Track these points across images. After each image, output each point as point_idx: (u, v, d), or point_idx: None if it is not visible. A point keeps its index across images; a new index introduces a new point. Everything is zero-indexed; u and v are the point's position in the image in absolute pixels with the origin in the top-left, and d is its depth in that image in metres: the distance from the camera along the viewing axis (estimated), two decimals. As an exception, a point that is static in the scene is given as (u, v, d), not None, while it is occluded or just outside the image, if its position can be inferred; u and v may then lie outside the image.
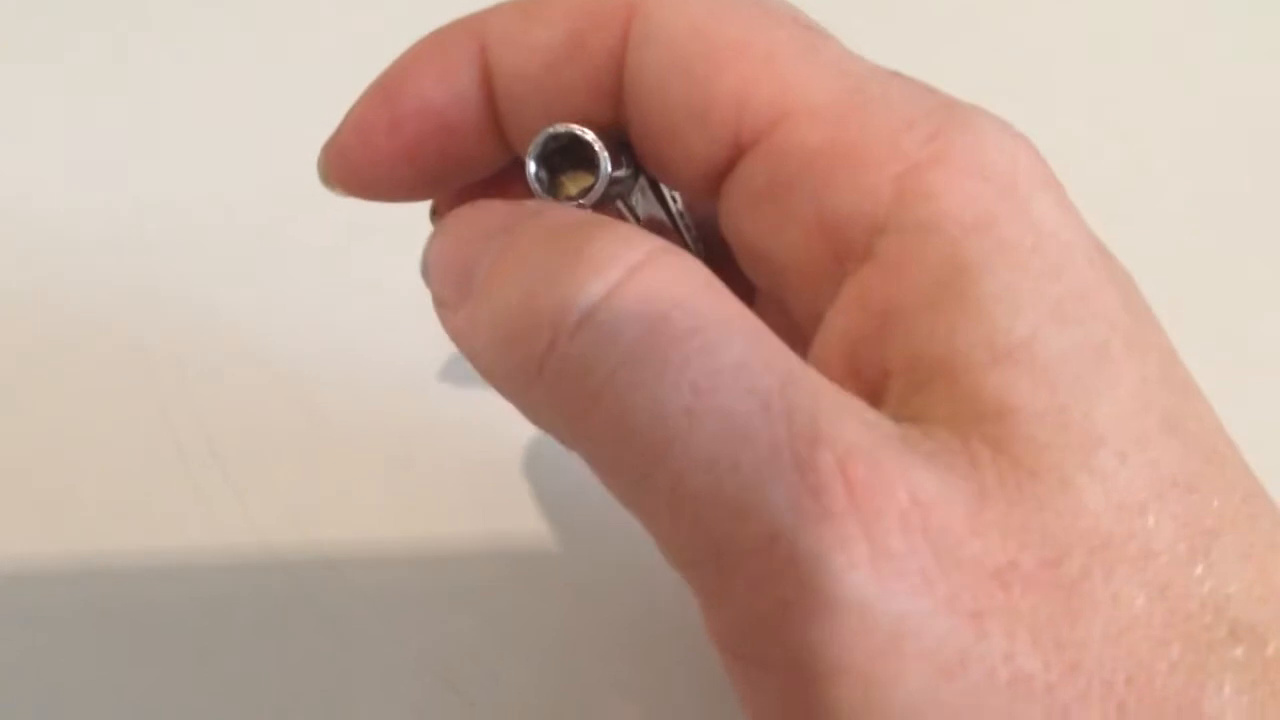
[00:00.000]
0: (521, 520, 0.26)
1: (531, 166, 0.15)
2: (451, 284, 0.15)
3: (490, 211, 0.15)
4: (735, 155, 0.16)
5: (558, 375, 0.13)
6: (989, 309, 0.13)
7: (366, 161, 0.17)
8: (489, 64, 0.16)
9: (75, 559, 0.25)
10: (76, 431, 0.27)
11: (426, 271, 0.16)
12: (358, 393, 0.27)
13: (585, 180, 0.16)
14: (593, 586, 0.25)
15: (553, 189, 0.16)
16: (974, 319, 0.13)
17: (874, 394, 0.14)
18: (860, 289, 0.14)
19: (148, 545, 0.25)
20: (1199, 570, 0.13)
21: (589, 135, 0.15)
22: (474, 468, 0.26)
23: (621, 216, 0.17)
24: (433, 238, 0.16)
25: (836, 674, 0.12)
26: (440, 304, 0.16)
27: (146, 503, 0.26)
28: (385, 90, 0.16)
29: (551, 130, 0.15)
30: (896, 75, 0.15)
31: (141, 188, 0.31)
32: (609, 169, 0.15)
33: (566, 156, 0.16)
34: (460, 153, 0.17)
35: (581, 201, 0.15)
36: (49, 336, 0.28)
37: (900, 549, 0.12)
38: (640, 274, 0.13)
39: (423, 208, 0.19)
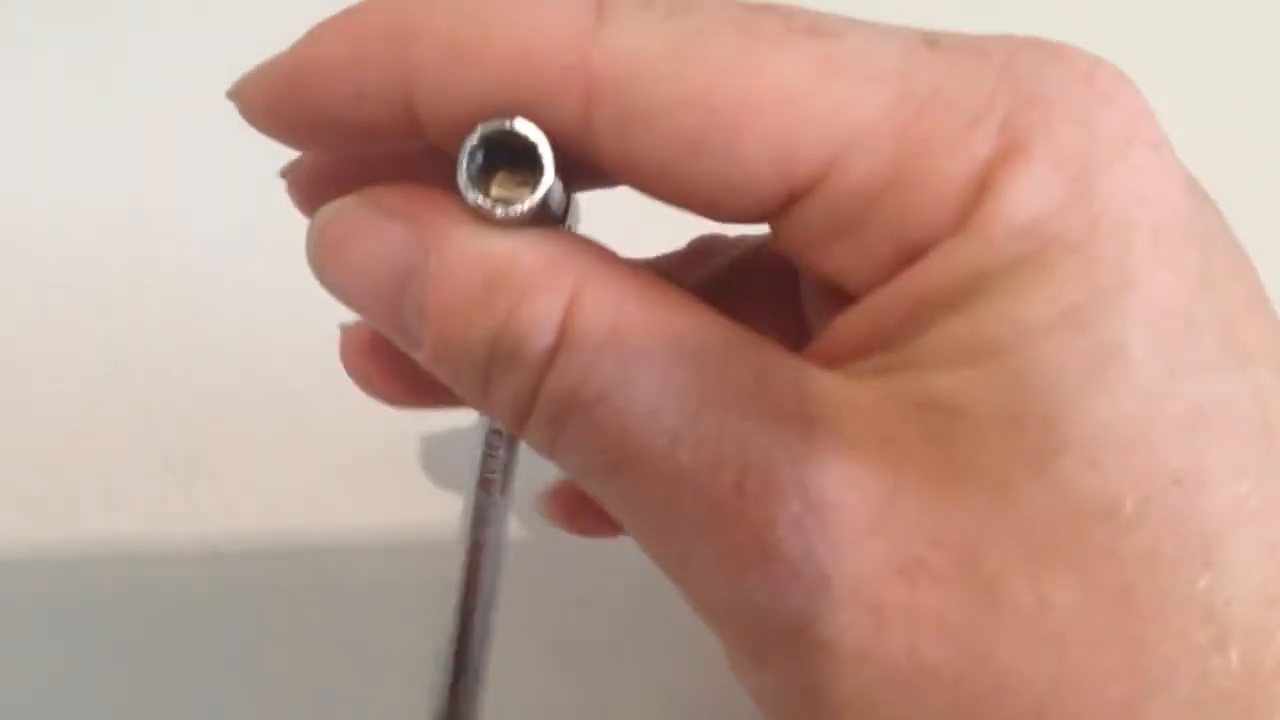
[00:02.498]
0: (515, 511, 0.26)
1: (463, 176, 0.13)
2: (389, 328, 0.14)
3: (381, 238, 0.14)
4: (787, 204, 0.14)
5: (533, 442, 0.14)
6: (990, 313, 0.13)
7: (285, 118, 0.15)
8: (412, 87, 0.14)
9: (52, 556, 0.25)
10: (58, 430, 0.27)
11: (329, 288, 0.15)
12: (340, 391, 0.27)
13: (512, 183, 0.14)
14: (579, 582, 0.25)
15: (481, 187, 0.14)
16: (971, 322, 0.13)
17: (868, 353, 0.14)
18: (900, 283, 0.14)
19: (126, 544, 0.25)
20: (1189, 570, 0.12)
21: (535, 137, 0.13)
22: (456, 465, 0.26)
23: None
24: (322, 250, 0.15)
25: (746, 671, 0.14)
26: (379, 325, 0.15)
27: (127, 502, 0.26)
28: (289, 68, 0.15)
29: (487, 128, 0.13)
30: (938, 49, 0.13)
31: (122, 190, 0.31)
32: (552, 179, 0.13)
33: (495, 150, 0.13)
34: (369, 129, 0.15)
35: (516, 211, 0.13)
36: (27, 337, 0.28)
37: (794, 553, 0.13)
38: (563, 359, 0.13)
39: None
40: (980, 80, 0.13)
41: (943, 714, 0.13)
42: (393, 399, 0.18)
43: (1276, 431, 0.13)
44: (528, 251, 0.14)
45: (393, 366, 0.17)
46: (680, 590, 0.14)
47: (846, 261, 0.14)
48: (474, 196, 0.13)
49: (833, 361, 0.14)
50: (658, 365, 0.13)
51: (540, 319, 0.13)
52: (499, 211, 0.13)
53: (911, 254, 0.14)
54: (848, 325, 0.14)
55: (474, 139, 0.13)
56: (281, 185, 0.17)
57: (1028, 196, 0.13)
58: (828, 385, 0.14)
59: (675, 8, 0.13)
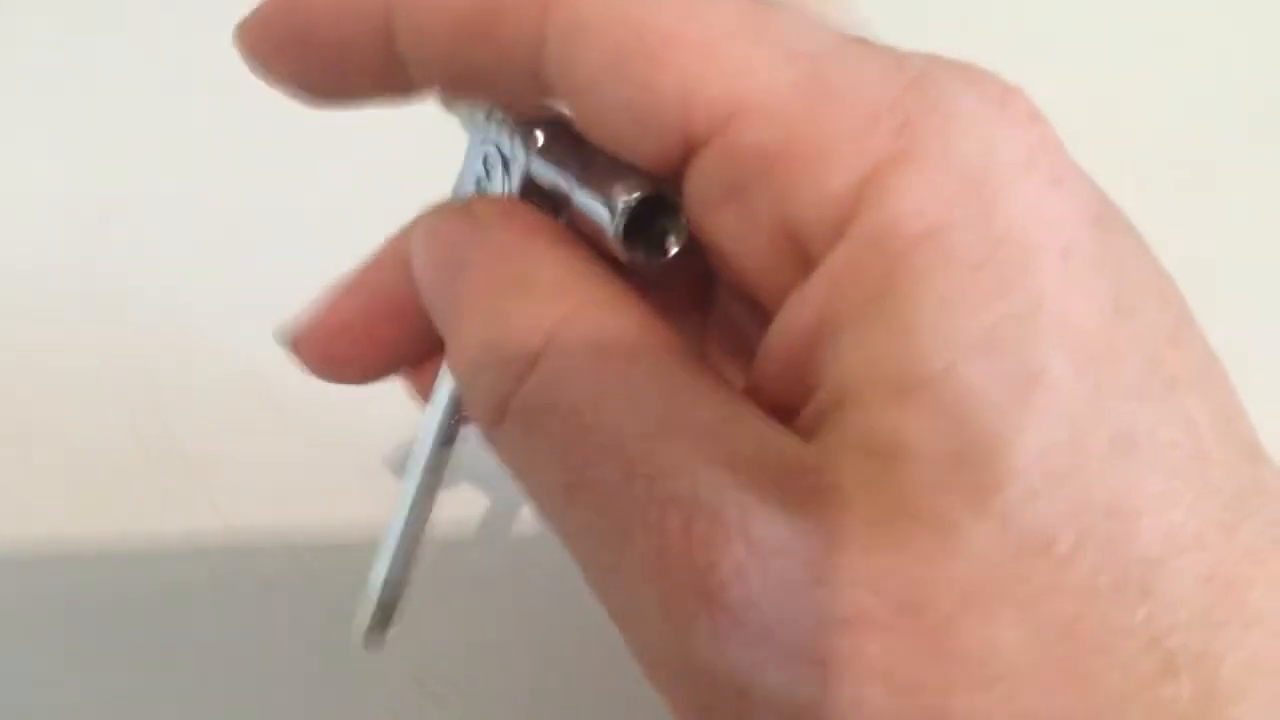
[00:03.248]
0: (503, 514, 0.26)
1: (614, 234, 0.15)
2: (437, 313, 0.16)
3: (445, 233, 0.17)
4: (687, 154, 0.14)
5: (502, 440, 0.15)
6: (908, 336, 0.13)
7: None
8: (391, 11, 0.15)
9: (42, 553, 0.25)
10: (43, 427, 0.27)
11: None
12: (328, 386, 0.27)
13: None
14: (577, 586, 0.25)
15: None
16: (890, 347, 0.13)
17: (797, 408, 0.14)
18: (803, 298, 0.14)
19: (114, 539, 0.25)
20: (1128, 601, 0.12)
21: (669, 196, 0.15)
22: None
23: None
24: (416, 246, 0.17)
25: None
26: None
27: (113, 497, 0.26)
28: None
29: (632, 197, 0.15)
30: (860, 47, 0.14)
31: (104, 183, 0.31)
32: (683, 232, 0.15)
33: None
34: (355, 70, 0.16)
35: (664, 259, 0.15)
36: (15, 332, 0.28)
37: (735, 603, 0.12)
38: (534, 372, 0.14)
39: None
40: (892, 81, 0.13)
41: None
42: (358, 377, 0.20)
43: (1208, 458, 0.13)
44: (539, 258, 0.15)
45: (360, 349, 0.19)
46: (629, 647, 0.14)
47: (733, 229, 0.14)
48: (627, 252, 0.15)
49: (773, 398, 0.14)
50: (630, 390, 0.14)
51: (530, 327, 0.14)
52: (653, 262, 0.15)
53: (792, 235, 0.14)
54: (770, 357, 0.14)
55: (626, 203, 0.15)
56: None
57: (921, 204, 0.13)
58: (780, 438, 0.14)
59: None
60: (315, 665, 0.24)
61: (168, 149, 0.31)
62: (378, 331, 0.19)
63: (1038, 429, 0.12)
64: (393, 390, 0.27)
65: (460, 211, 0.17)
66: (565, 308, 0.14)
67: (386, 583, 0.19)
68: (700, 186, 0.15)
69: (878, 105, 0.13)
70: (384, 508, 0.26)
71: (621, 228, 0.15)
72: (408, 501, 0.19)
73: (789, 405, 0.14)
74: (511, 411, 0.14)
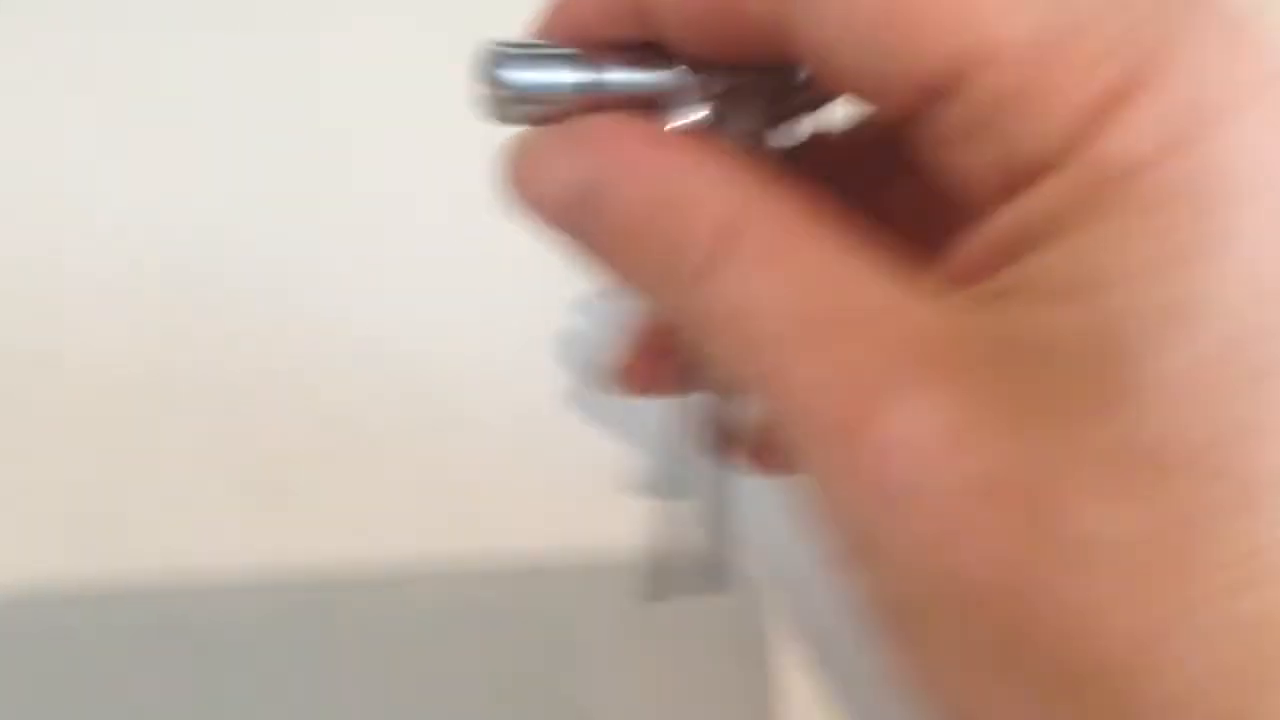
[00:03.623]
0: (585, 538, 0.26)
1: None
2: (570, 238, 0.17)
3: (565, 160, 0.17)
4: (932, 97, 0.15)
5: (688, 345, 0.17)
6: (1087, 255, 0.14)
7: None
8: None
9: (125, 581, 0.25)
10: (129, 453, 0.27)
11: (524, 211, 0.18)
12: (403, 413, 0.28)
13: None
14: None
15: None
16: (1067, 259, 0.14)
17: (986, 288, 0.15)
18: (1012, 211, 0.15)
19: (198, 567, 0.25)
20: (1239, 516, 0.13)
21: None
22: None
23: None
24: (512, 175, 0.18)
25: (852, 562, 0.16)
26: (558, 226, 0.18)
27: (204, 526, 0.26)
28: None
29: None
30: None
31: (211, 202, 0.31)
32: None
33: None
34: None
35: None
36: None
37: (893, 472, 0.14)
38: (705, 281, 0.16)
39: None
40: (1126, 16, 0.14)
41: (984, 631, 0.14)
42: (665, 391, 0.23)
43: None
44: (696, 166, 0.16)
45: (663, 368, 0.23)
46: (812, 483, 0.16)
47: (970, 162, 0.15)
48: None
49: (948, 282, 0.15)
50: (801, 286, 0.15)
51: (702, 235, 0.16)
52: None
53: (1023, 168, 0.14)
54: (964, 249, 0.15)
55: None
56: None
57: (1140, 134, 0.13)
58: (934, 322, 0.15)
59: None
60: (393, 689, 0.24)
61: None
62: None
63: (1188, 349, 0.13)
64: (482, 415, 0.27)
65: (549, 133, 0.17)
66: (734, 210, 0.16)
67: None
68: (944, 124, 0.15)
69: (1112, 43, 0.14)
70: (474, 539, 0.26)
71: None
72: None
73: (970, 285, 0.15)
74: (691, 318, 0.16)
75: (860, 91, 0.16)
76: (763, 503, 0.23)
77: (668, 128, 0.17)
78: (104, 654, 0.24)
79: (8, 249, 0.30)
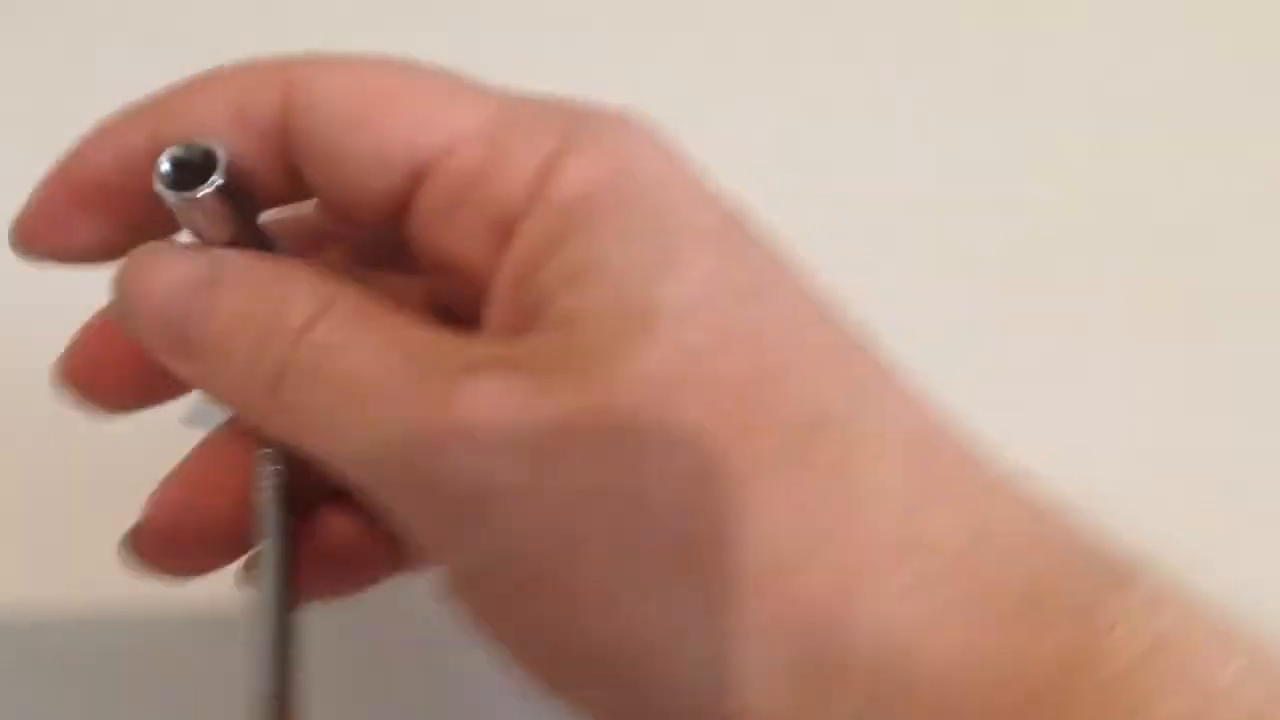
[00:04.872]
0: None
1: (158, 182, 0.18)
2: (168, 338, 0.18)
3: (183, 260, 0.19)
4: (413, 187, 0.18)
5: (282, 410, 0.18)
6: (574, 251, 0.17)
7: (54, 232, 0.20)
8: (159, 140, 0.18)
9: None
10: None
11: (127, 314, 0.19)
12: None
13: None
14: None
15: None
16: (563, 260, 0.17)
17: (519, 321, 0.18)
18: (509, 258, 0.18)
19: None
20: (774, 383, 0.16)
21: (213, 143, 0.18)
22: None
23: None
24: (128, 279, 0.19)
25: (440, 534, 0.17)
26: (157, 351, 0.19)
27: None
28: (66, 172, 0.19)
29: (177, 149, 0.18)
30: (538, 96, 0.19)
31: None
32: (224, 169, 0.18)
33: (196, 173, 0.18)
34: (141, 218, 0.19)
35: (200, 194, 0.18)
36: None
37: (479, 422, 0.16)
38: (316, 327, 0.17)
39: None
40: (553, 110, 0.19)
41: (606, 525, 0.16)
42: (122, 403, 0.21)
43: (821, 312, 0.18)
44: (299, 264, 0.19)
45: (117, 371, 0.21)
46: (385, 498, 0.17)
47: (457, 234, 0.18)
48: (166, 192, 0.18)
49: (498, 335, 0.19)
50: (390, 330, 0.18)
51: (307, 299, 0.18)
52: (187, 195, 0.18)
53: (500, 228, 0.18)
54: (494, 312, 0.18)
55: (165, 156, 0.18)
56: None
57: (579, 177, 0.17)
58: (499, 342, 0.18)
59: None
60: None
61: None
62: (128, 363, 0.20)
63: (676, 281, 0.17)
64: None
65: (161, 244, 0.19)
66: (329, 290, 0.18)
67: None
68: (428, 209, 0.19)
69: (547, 124, 0.18)
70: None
71: (165, 169, 0.18)
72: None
73: (516, 330, 0.18)
74: (295, 366, 0.17)
75: (357, 186, 0.19)
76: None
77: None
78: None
79: None
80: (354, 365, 0.17)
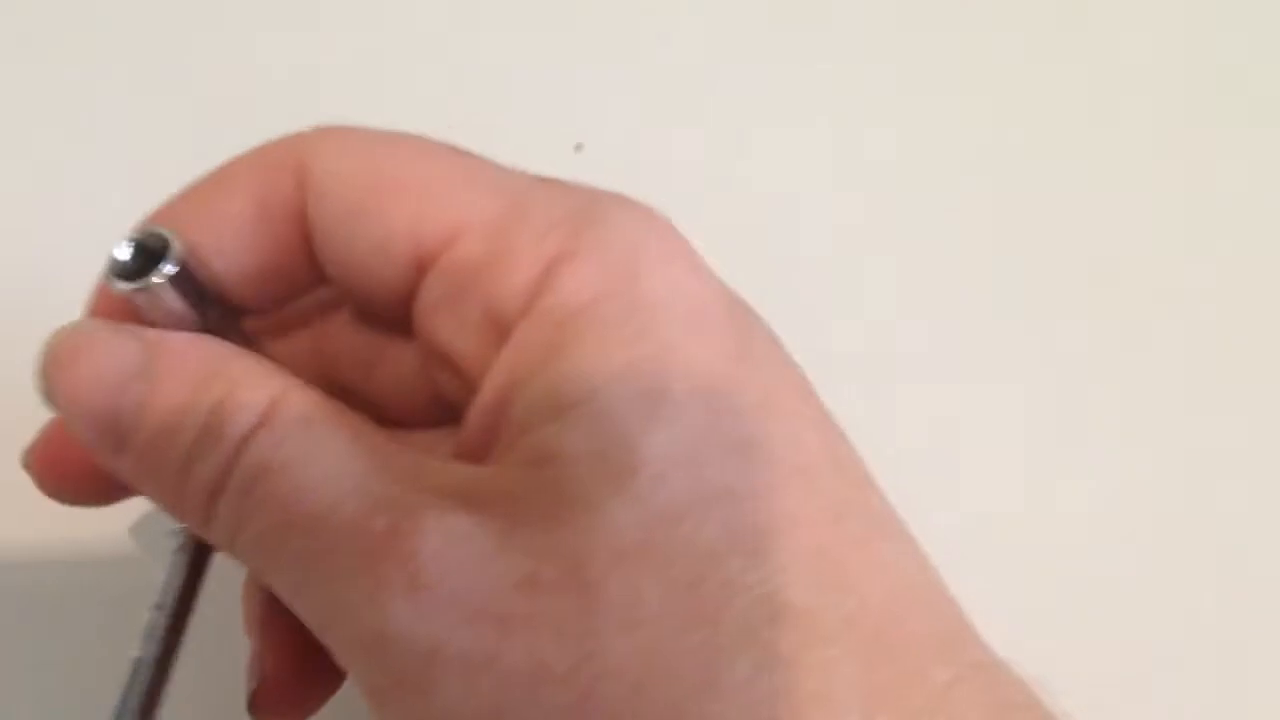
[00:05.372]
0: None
1: (106, 272, 0.17)
2: (99, 434, 0.17)
3: (111, 345, 0.17)
4: (418, 276, 0.18)
5: (219, 527, 0.17)
6: (564, 376, 0.16)
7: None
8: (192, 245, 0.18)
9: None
10: None
11: (55, 405, 0.17)
12: None
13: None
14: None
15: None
16: (550, 385, 0.16)
17: (491, 445, 0.17)
18: (498, 365, 0.17)
19: None
20: (740, 564, 0.15)
21: (165, 231, 0.17)
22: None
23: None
24: (53, 368, 0.17)
25: (382, 695, 0.16)
26: (88, 446, 0.17)
27: None
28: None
29: (134, 232, 0.17)
30: (549, 183, 0.18)
31: None
32: (179, 256, 0.17)
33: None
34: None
35: (143, 286, 0.17)
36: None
37: (432, 578, 0.15)
38: (261, 436, 0.16)
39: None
40: (565, 205, 0.18)
41: (558, 709, 0.15)
42: (86, 498, 0.20)
43: (816, 468, 0.17)
44: (242, 357, 0.17)
45: (81, 469, 0.19)
46: (327, 640, 0.16)
47: (454, 328, 0.18)
48: (115, 283, 0.17)
49: (476, 448, 0.18)
50: (338, 447, 0.16)
51: (248, 404, 0.16)
52: (136, 284, 0.17)
53: (497, 328, 0.17)
54: (474, 422, 0.18)
55: (119, 245, 0.17)
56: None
57: (582, 285, 0.17)
58: (464, 469, 0.17)
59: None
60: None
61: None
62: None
63: (664, 431, 0.16)
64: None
65: (90, 323, 0.18)
66: (275, 387, 0.17)
67: None
68: (429, 298, 0.18)
69: (556, 221, 0.17)
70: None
71: (116, 258, 0.17)
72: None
73: (488, 450, 0.17)
74: (233, 479, 0.16)
75: (363, 270, 0.18)
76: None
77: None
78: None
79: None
80: (299, 487, 0.16)
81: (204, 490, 0.17)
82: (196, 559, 0.19)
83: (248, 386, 0.17)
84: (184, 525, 0.19)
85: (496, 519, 0.16)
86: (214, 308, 0.18)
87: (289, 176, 0.18)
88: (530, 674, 0.15)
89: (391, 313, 0.19)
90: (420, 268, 0.18)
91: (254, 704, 0.20)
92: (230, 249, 0.18)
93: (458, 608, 0.15)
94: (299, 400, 0.17)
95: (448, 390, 0.19)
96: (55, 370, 0.17)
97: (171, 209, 0.19)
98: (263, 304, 0.20)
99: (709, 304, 0.17)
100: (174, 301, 0.17)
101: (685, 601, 0.15)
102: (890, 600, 0.16)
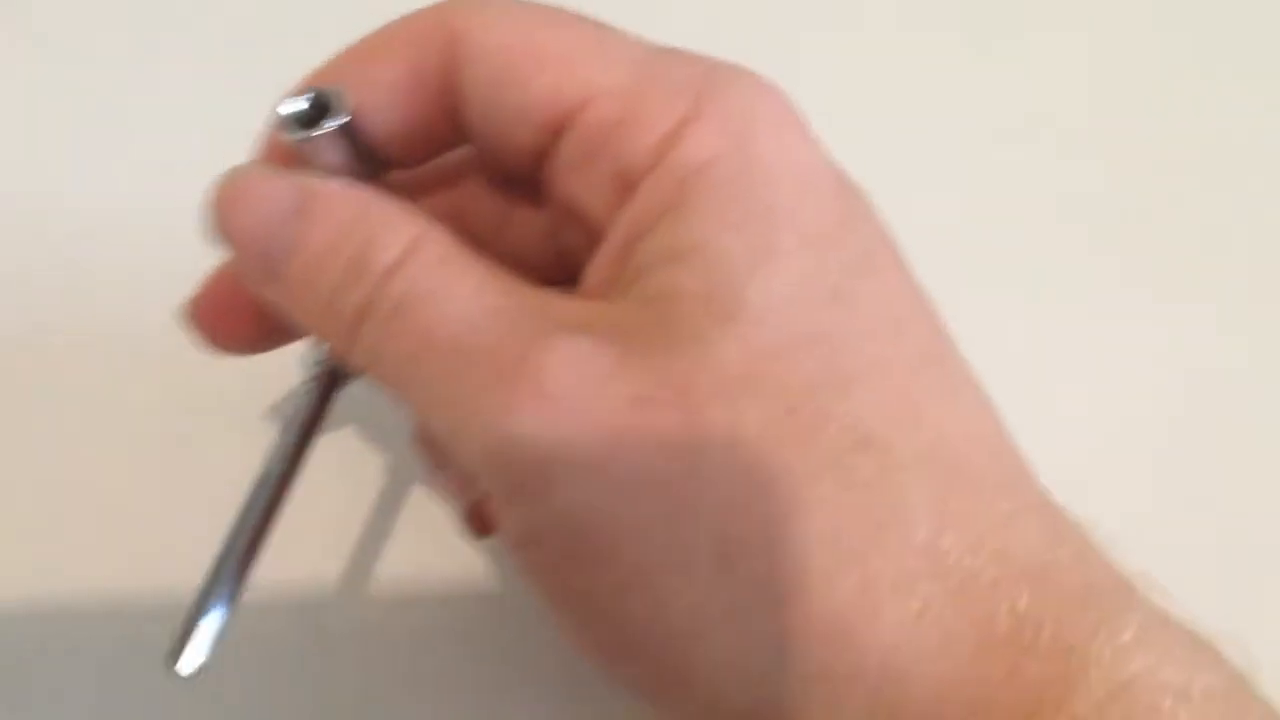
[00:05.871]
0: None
1: (287, 108, 0.19)
2: (256, 265, 0.19)
3: (271, 188, 0.19)
4: (553, 138, 0.20)
5: (363, 350, 0.18)
6: (682, 225, 0.18)
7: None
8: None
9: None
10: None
11: (219, 238, 0.19)
12: None
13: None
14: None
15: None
16: (670, 233, 0.18)
17: (612, 287, 0.19)
18: (622, 215, 0.19)
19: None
20: (830, 398, 0.17)
21: (332, 87, 0.19)
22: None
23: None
24: (220, 206, 0.19)
25: (506, 498, 0.18)
26: (245, 277, 0.19)
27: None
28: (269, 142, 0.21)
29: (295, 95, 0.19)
30: (676, 52, 0.20)
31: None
32: (346, 112, 0.19)
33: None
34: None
35: (314, 135, 0.19)
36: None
37: (556, 392, 0.17)
38: (403, 270, 0.18)
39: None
40: (691, 72, 0.19)
41: (661, 512, 0.17)
42: (241, 345, 0.22)
43: (903, 319, 0.19)
44: (389, 202, 0.19)
45: (239, 317, 0.22)
46: (459, 449, 0.18)
47: (584, 184, 0.20)
48: (286, 131, 0.19)
49: (600, 290, 0.20)
50: (473, 281, 0.18)
51: (394, 241, 0.18)
52: (305, 134, 0.19)
53: (623, 185, 0.19)
54: (598, 267, 0.20)
55: (288, 99, 0.19)
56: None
57: (703, 145, 0.18)
58: (586, 305, 0.19)
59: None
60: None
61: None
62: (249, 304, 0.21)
63: (769, 278, 0.17)
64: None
65: (254, 166, 0.20)
66: (417, 229, 0.18)
67: (202, 597, 0.19)
68: (564, 158, 0.20)
69: (682, 87, 0.19)
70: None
71: (285, 111, 0.19)
72: (252, 506, 0.20)
73: (607, 293, 0.19)
74: (376, 307, 0.18)
75: (506, 132, 0.20)
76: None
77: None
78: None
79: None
80: (438, 314, 0.17)
81: (350, 316, 0.18)
82: (326, 390, 0.22)
83: (393, 227, 0.18)
84: (319, 361, 0.21)
85: (615, 346, 0.17)
86: (367, 162, 0.20)
87: (441, 44, 0.20)
88: (638, 480, 0.17)
89: (524, 174, 0.21)
90: (556, 130, 0.19)
91: (470, 518, 0.23)
92: (384, 109, 0.20)
93: (578, 419, 0.17)
94: (439, 240, 0.18)
95: (572, 248, 0.21)
96: (221, 205, 0.19)
97: (331, 70, 0.20)
98: (408, 160, 0.21)
99: (817, 171, 0.19)
100: (334, 152, 0.19)
101: (780, 426, 0.17)
102: (962, 442, 0.18)
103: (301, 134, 0.19)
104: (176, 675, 0.18)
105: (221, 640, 0.18)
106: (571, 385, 0.17)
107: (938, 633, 0.17)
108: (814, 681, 0.17)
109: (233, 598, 0.19)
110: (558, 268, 0.22)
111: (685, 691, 0.18)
